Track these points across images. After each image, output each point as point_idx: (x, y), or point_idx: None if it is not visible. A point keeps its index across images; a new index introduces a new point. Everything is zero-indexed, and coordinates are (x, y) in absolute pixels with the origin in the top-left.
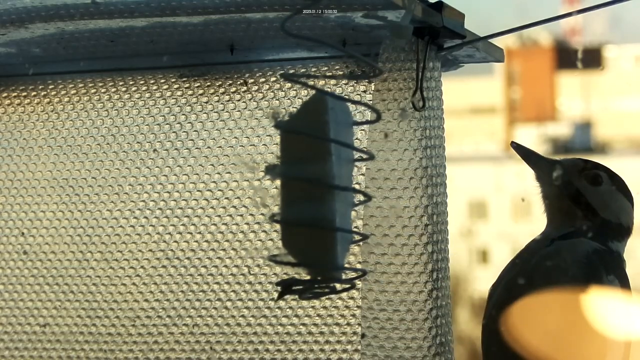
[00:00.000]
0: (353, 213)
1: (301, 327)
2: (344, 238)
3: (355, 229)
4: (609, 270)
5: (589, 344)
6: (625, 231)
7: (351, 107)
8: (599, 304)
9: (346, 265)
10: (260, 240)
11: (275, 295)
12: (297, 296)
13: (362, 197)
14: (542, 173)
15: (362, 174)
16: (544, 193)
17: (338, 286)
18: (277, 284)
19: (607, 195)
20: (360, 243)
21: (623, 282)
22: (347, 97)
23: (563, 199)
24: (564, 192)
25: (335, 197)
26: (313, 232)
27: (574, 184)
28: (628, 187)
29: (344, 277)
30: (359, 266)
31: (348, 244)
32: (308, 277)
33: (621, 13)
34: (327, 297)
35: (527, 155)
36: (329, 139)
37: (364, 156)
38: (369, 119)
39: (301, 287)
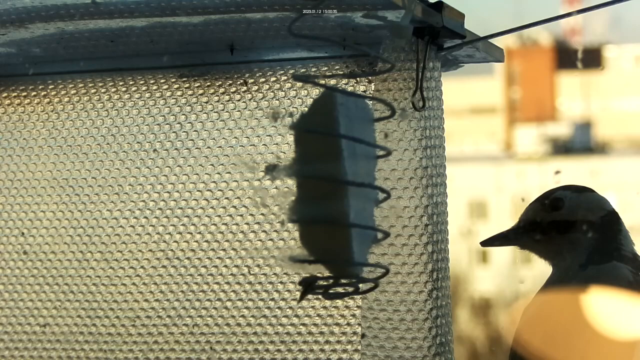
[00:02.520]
0: (376, 210)
1: (301, 327)
2: (362, 235)
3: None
4: None
5: (602, 348)
6: (613, 218)
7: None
8: (611, 307)
9: (364, 262)
10: (260, 240)
11: (282, 294)
12: (320, 296)
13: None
14: (520, 241)
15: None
16: (534, 250)
17: (362, 286)
18: (299, 282)
19: (574, 207)
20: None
21: None
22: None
23: (544, 241)
24: (538, 236)
25: (350, 194)
26: (328, 229)
27: (542, 222)
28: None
29: (363, 274)
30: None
31: (369, 241)
32: (329, 275)
33: (621, 13)
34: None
35: (500, 241)
36: (338, 135)
37: (380, 152)
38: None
39: (324, 285)
